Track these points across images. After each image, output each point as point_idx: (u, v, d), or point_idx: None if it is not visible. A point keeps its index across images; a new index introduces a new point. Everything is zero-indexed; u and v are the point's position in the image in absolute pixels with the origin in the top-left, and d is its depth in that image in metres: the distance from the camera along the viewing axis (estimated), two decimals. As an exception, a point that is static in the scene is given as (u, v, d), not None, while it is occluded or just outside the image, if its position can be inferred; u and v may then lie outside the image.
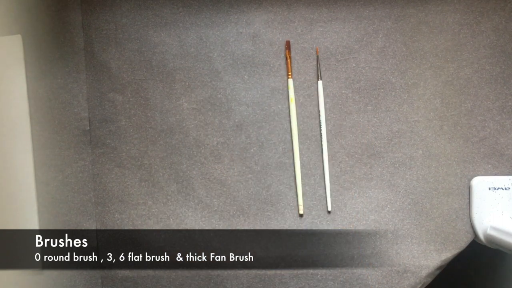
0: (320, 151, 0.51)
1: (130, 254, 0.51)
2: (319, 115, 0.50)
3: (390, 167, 0.51)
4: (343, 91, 0.51)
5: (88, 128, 0.51)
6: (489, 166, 0.50)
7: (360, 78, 0.51)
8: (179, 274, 0.50)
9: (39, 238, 0.50)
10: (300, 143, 0.51)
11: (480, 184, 0.49)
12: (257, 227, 0.51)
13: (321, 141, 0.50)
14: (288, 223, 0.51)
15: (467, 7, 0.50)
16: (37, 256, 0.50)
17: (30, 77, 0.50)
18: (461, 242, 0.50)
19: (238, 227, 0.51)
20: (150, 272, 0.50)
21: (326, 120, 0.50)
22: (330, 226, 0.51)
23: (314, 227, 0.51)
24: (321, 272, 0.50)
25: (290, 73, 0.50)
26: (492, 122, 0.50)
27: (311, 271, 0.50)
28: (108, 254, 0.51)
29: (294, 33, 0.50)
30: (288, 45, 0.50)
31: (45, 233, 0.50)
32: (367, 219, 0.50)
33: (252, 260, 0.50)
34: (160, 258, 0.50)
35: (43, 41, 0.50)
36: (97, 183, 0.51)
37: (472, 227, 0.50)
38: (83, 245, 0.50)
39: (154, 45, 0.51)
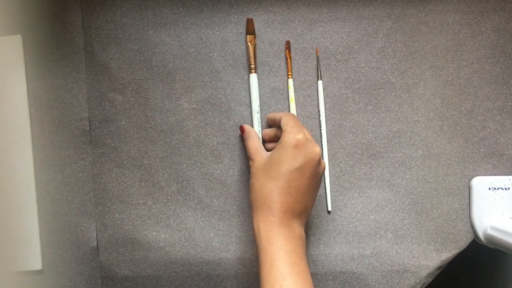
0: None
1: (130, 254, 0.51)
2: (319, 115, 0.50)
3: (390, 167, 0.51)
4: (343, 91, 0.51)
5: (88, 128, 0.51)
6: (489, 166, 0.50)
7: (360, 78, 0.51)
8: (179, 274, 0.50)
9: (39, 238, 0.50)
10: (300, 143, 0.50)
11: (480, 184, 0.49)
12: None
13: (321, 141, 0.50)
14: (288, 223, 0.50)
15: (467, 7, 0.50)
16: (37, 256, 0.50)
17: (30, 77, 0.50)
18: (461, 242, 0.50)
19: (238, 227, 0.51)
20: (150, 272, 0.50)
21: (326, 120, 0.50)
22: (330, 226, 0.51)
23: (314, 227, 0.51)
24: (321, 272, 0.50)
25: (290, 73, 0.50)
26: (492, 122, 0.50)
27: (311, 271, 0.50)
28: (108, 254, 0.51)
29: (294, 33, 0.50)
30: (288, 45, 0.50)
31: (45, 233, 0.50)
32: (367, 219, 0.50)
33: (252, 260, 0.50)
34: (160, 258, 0.50)
35: (43, 41, 0.50)
36: (97, 183, 0.51)
37: (472, 227, 0.50)
38: (83, 245, 0.50)
39: (154, 45, 0.51)
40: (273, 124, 0.49)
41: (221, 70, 0.51)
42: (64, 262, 0.50)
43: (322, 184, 0.50)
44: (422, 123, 0.50)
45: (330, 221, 0.51)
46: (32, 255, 0.49)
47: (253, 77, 0.50)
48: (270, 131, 0.49)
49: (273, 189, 0.41)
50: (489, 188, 0.49)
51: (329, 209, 0.50)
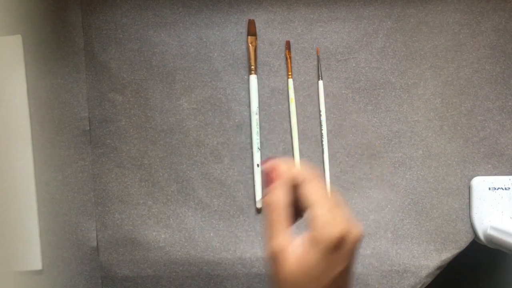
0: (320, 151, 0.51)
1: (130, 254, 0.51)
2: (320, 115, 0.50)
3: (390, 167, 0.51)
4: (343, 91, 0.51)
5: (88, 128, 0.51)
6: (489, 166, 0.50)
7: (360, 78, 0.51)
8: (179, 274, 0.50)
9: (39, 238, 0.50)
10: (300, 143, 0.50)
11: (480, 184, 0.49)
12: (257, 227, 0.50)
13: (322, 141, 0.50)
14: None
15: (467, 7, 0.50)
16: (37, 256, 0.50)
17: (30, 77, 0.50)
18: (461, 242, 0.50)
19: (238, 227, 0.51)
20: (150, 272, 0.50)
21: (326, 120, 0.50)
22: (330, 226, 0.50)
23: (314, 227, 0.50)
24: (321, 272, 0.50)
25: (290, 73, 0.50)
26: (492, 122, 0.50)
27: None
28: (108, 254, 0.51)
29: (294, 33, 0.50)
30: (288, 45, 0.50)
31: (45, 233, 0.50)
32: (367, 219, 0.50)
33: (252, 260, 0.50)
34: (160, 258, 0.50)
35: (43, 41, 0.50)
36: (97, 183, 0.51)
37: (472, 227, 0.50)
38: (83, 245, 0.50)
39: (154, 45, 0.51)
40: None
41: (221, 70, 0.51)
42: (64, 262, 0.50)
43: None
44: (422, 123, 0.50)
45: (330, 221, 0.50)
46: (32, 255, 0.49)
47: (253, 78, 0.50)
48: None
49: None
50: (489, 188, 0.49)
51: (329, 209, 0.50)
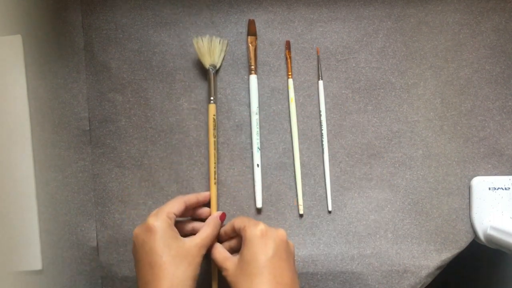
0: (320, 151, 0.51)
1: (130, 254, 0.51)
2: (320, 115, 0.50)
3: (390, 167, 0.51)
4: (343, 91, 0.51)
5: (88, 128, 0.51)
6: (489, 166, 0.50)
7: (360, 78, 0.51)
8: (179, 274, 0.50)
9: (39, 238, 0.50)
10: (300, 143, 0.50)
11: (480, 184, 0.49)
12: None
13: (322, 141, 0.50)
14: (288, 223, 0.50)
15: (467, 7, 0.50)
16: (37, 256, 0.50)
17: (30, 77, 0.50)
18: (461, 242, 0.50)
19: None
20: (150, 272, 0.50)
21: (326, 120, 0.50)
22: (330, 226, 0.51)
23: (314, 227, 0.51)
24: (321, 272, 0.50)
25: (290, 73, 0.50)
26: (492, 122, 0.50)
27: (311, 271, 0.50)
28: (108, 254, 0.51)
29: (294, 33, 0.50)
30: (288, 45, 0.50)
31: (45, 233, 0.50)
32: (367, 219, 0.50)
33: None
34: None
35: (43, 41, 0.50)
36: (97, 183, 0.51)
37: (472, 227, 0.50)
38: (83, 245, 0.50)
39: (154, 45, 0.51)
40: (227, 238, 0.46)
41: (221, 70, 0.51)
42: (64, 262, 0.50)
43: (322, 184, 0.50)
44: (422, 123, 0.50)
45: (330, 221, 0.51)
46: (32, 255, 0.49)
47: (253, 78, 0.50)
48: (230, 243, 0.46)
49: (262, 286, 0.38)
50: (489, 188, 0.49)
51: (329, 209, 0.50)
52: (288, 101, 0.50)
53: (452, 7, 0.50)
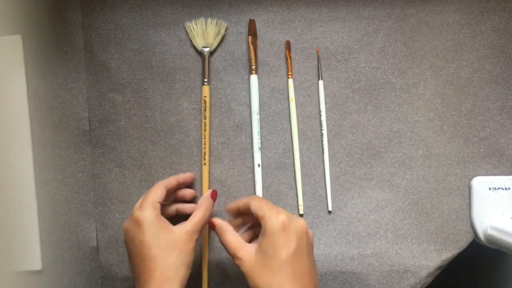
0: (320, 151, 0.51)
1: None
2: (320, 115, 0.50)
3: (390, 167, 0.51)
4: (343, 91, 0.51)
5: (88, 128, 0.51)
6: (489, 166, 0.50)
7: (360, 78, 0.51)
8: (179, 274, 0.50)
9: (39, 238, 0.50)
10: (300, 143, 0.50)
11: (480, 184, 0.49)
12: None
13: (322, 141, 0.50)
14: (288, 223, 0.50)
15: (467, 7, 0.50)
16: (37, 256, 0.50)
17: (30, 77, 0.50)
18: (461, 242, 0.50)
19: (238, 227, 0.51)
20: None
21: (326, 120, 0.50)
22: (330, 226, 0.50)
23: (314, 227, 0.51)
24: (321, 272, 0.50)
25: (290, 73, 0.50)
26: (492, 122, 0.50)
27: (311, 271, 0.50)
28: (108, 254, 0.51)
29: (294, 33, 0.50)
30: (288, 45, 0.50)
31: (45, 233, 0.50)
32: (367, 219, 0.50)
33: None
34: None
35: (43, 41, 0.50)
36: (97, 183, 0.51)
37: (472, 227, 0.50)
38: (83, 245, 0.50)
39: (154, 45, 0.51)
40: (237, 214, 0.44)
41: (221, 70, 0.51)
42: (64, 262, 0.50)
43: (322, 184, 0.50)
44: (422, 123, 0.50)
45: (330, 221, 0.50)
46: (32, 255, 0.49)
47: (254, 78, 0.50)
48: (238, 222, 0.44)
49: (282, 283, 0.38)
50: (489, 188, 0.49)
51: (330, 209, 0.50)
52: (288, 101, 0.50)
53: (452, 7, 0.50)
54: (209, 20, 0.49)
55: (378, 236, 0.50)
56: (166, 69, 0.51)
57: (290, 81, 0.50)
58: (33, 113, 0.50)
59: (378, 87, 0.51)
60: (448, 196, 0.50)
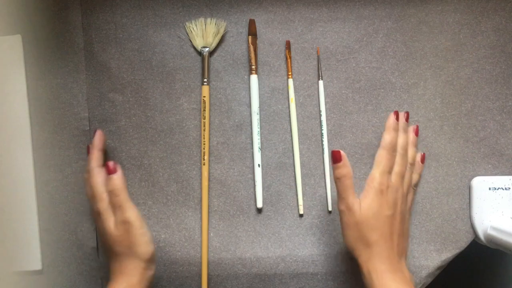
0: (320, 151, 0.51)
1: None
2: (320, 115, 0.50)
3: (390, 167, 0.50)
4: (343, 91, 0.51)
5: (88, 128, 0.51)
6: (489, 166, 0.50)
7: (360, 78, 0.51)
8: (179, 274, 0.50)
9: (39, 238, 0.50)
10: (300, 143, 0.50)
11: (480, 184, 0.49)
12: (257, 227, 0.50)
13: (322, 141, 0.50)
14: (288, 223, 0.50)
15: (467, 7, 0.50)
16: (37, 256, 0.50)
17: (30, 77, 0.50)
18: (461, 242, 0.50)
19: (238, 227, 0.51)
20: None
21: (326, 120, 0.50)
22: (330, 226, 0.50)
23: (314, 227, 0.51)
24: (321, 272, 0.50)
25: (290, 73, 0.50)
26: (492, 122, 0.50)
27: (311, 271, 0.50)
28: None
29: (294, 33, 0.50)
30: (288, 45, 0.50)
31: (45, 233, 0.50)
32: (367, 219, 0.50)
33: (252, 260, 0.50)
34: (160, 258, 0.50)
35: (43, 41, 0.50)
36: (97, 183, 0.51)
37: (472, 227, 0.50)
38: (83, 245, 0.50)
39: (154, 45, 0.51)
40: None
41: (221, 70, 0.51)
42: (64, 262, 0.50)
43: (322, 184, 0.50)
44: (422, 123, 0.50)
45: (330, 221, 0.50)
46: (32, 255, 0.49)
47: (254, 78, 0.50)
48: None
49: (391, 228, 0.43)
50: (489, 188, 0.49)
51: (330, 209, 0.50)
52: (288, 101, 0.50)
53: (452, 7, 0.50)
54: (208, 20, 0.49)
55: (378, 236, 0.50)
56: (166, 69, 0.51)
57: (290, 81, 0.50)
58: (33, 113, 0.50)
59: (378, 87, 0.51)
60: (448, 196, 0.50)
